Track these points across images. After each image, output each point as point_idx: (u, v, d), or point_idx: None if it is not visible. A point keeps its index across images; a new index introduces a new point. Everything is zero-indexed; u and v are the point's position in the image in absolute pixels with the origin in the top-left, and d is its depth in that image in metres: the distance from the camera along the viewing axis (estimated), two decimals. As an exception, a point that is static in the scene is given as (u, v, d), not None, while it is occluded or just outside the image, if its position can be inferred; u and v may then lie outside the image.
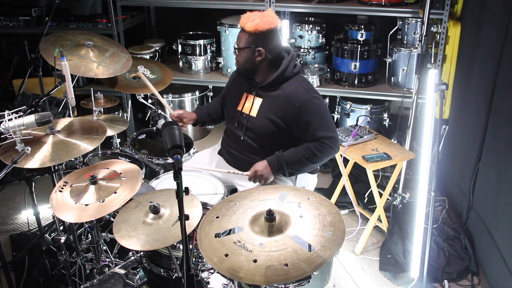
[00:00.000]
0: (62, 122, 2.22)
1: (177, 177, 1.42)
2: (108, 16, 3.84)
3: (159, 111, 3.46)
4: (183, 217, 1.47)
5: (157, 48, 4.09)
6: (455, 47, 3.30)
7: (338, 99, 3.83)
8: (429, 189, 2.39)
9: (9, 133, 1.91)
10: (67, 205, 1.93)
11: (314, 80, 3.63)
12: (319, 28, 3.72)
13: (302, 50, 3.79)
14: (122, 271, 2.03)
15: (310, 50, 3.77)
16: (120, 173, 2.05)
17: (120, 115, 2.97)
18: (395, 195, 3.26)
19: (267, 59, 2.33)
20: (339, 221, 1.65)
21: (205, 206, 1.99)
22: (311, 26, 3.72)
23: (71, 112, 2.48)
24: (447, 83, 2.37)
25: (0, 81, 4.22)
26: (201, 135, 4.36)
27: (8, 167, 1.88)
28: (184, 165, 2.41)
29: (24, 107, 2.05)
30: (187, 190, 1.45)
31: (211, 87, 4.24)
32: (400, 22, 3.51)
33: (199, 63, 3.98)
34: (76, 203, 1.93)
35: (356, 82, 3.67)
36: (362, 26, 3.54)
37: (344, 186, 3.15)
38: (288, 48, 2.44)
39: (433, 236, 2.95)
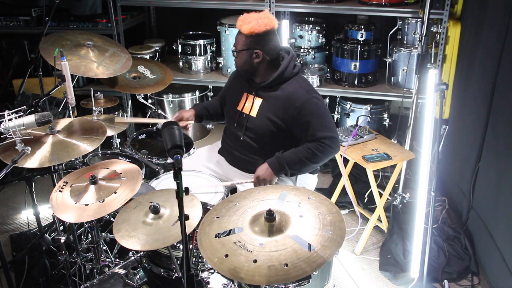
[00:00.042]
0: (62, 122, 2.21)
1: (177, 177, 1.42)
2: (108, 16, 3.83)
3: (159, 111, 3.46)
4: (183, 217, 1.47)
5: (157, 48, 4.09)
6: (455, 47, 3.30)
7: (338, 99, 3.83)
8: (429, 189, 2.39)
9: (9, 133, 1.91)
10: (67, 205, 1.93)
11: (314, 80, 3.63)
12: (319, 28, 3.72)
13: (302, 50, 3.79)
14: (122, 271, 2.03)
15: (310, 50, 3.77)
16: (120, 173, 2.05)
17: (120, 115, 2.97)
18: (395, 195, 3.26)
19: (266, 61, 2.33)
20: (339, 220, 1.64)
21: (205, 206, 1.99)
22: (311, 26, 3.72)
23: (71, 112, 2.48)
24: (447, 83, 2.37)
25: (0, 81, 4.22)
26: (201, 135, 4.35)
27: (8, 167, 1.88)
28: (187, 172, 2.43)
29: (24, 107, 2.05)
30: (187, 190, 1.45)
31: (211, 87, 4.24)
32: (400, 22, 3.51)
33: (199, 63, 3.98)
34: (76, 203, 1.93)
35: (356, 82, 3.67)
36: (362, 26, 3.54)
37: (344, 186, 3.15)
38: (288, 48, 2.44)
39: (433, 236, 2.95)
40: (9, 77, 4.01)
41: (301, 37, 3.77)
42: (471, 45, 3.14)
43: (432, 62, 3.41)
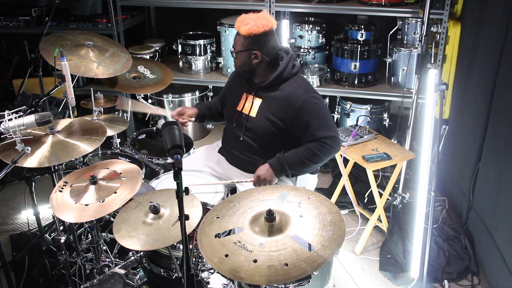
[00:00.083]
0: (62, 123, 2.21)
1: (177, 177, 1.42)
2: (108, 16, 3.83)
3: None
4: (183, 217, 1.47)
5: (157, 48, 4.09)
6: (455, 47, 3.30)
7: (338, 99, 3.83)
8: (429, 189, 2.39)
9: (9, 133, 1.91)
10: (67, 205, 1.93)
11: (314, 80, 3.63)
12: (319, 28, 3.72)
13: (302, 50, 3.79)
14: (122, 271, 2.03)
15: (310, 50, 3.77)
16: (120, 173, 2.05)
17: (120, 115, 2.97)
18: (395, 195, 3.26)
19: (264, 61, 2.33)
20: (339, 220, 1.64)
21: (205, 206, 1.99)
22: (311, 26, 3.72)
23: (71, 112, 2.48)
24: (447, 83, 2.37)
25: (0, 81, 4.22)
26: (201, 135, 4.35)
27: (8, 167, 1.88)
28: (187, 172, 2.43)
29: (24, 107, 2.05)
30: (187, 190, 1.45)
31: (211, 87, 4.24)
32: (400, 22, 3.51)
33: (199, 63, 3.98)
34: (76, 203, 1.93)
35: (356, 82, 3.67)
36: (362, 26, 3.54)
37: (344, 186, 3.15)
38: (287, 49, 2.44)
39: (433, 236, 2.95)
40: (9, 77, 4.01)
41: (301, 37, 3.77)
42: (471, 45, 3.14)
43: (432, 62, 3.41)
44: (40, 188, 3.13)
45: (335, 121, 3.78)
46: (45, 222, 3.16)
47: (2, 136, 1.97)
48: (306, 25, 3.73)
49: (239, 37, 2.31)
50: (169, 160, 2.73)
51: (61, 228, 2.55)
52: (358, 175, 3.58)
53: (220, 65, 4.01)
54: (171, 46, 4.10)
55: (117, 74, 2.74)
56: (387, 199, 3.13)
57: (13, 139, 1.93)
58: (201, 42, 3.92)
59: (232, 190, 2.53)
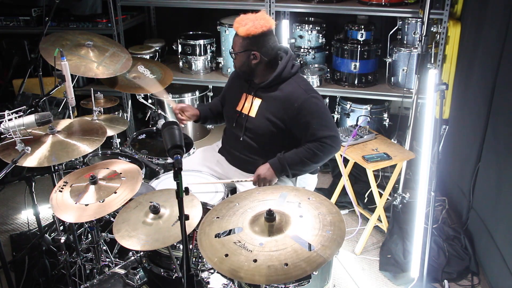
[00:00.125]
0: (62, 123, 2.22)
1: (177, 177, 1.42)
2: (108, 16, 3.83)
3: (159, 111, 3.46)
4: (183, 217, 1.47)
5: (157, 48, 4.09)
6: (455, 47, 3.30)
7: (338, 99, 3.83)
8: (429, 189, 2.39)
9: (9, 133, 1.91)
10: (67, 205, 1.93)
11: (314, 80, 3.63)
12: (319, 28, 3.72)
13: (302, 50, 3.79)
14: (122, 271, 2.03)
15: (310, 50, 3.77)
16: (120, 173, 2.05)
17: (120, 115, 2.97)
18: (395, 195, 3.26)
19: (263, 61, 2.33)
20: (339, 220, 1.65)
21: (205, 206, 1.99)
22: (311, 26, 3.72)
23: (71, 112, 2.48)
24: (447, 83, 2.37)
25: (0, 81, 4.22)
26: (201, 135, 4.36)
27: (8, 167, 1.88)
28: (187, 172, 2.43)
29: (24, 107, 2.05)
30: (187, 190, 1.45)
31: (211, 87, 4.24)
32: (400, 22, 3.51)
33: (199, 63, 3.98)
34: (76, 203, 1.93)
35: (356, 82, 3.67)
36: (362, 26, 3.54)
37: (344, 186, 3.15)
38: (286, 48, 2.44)
39: (433, 236, 2.95)
40: (9, 77, 4.01)
41: (301, 37, 3.77)
42: (471, 45, 3.14)
43: (432, 62, 3.41)
44: (40, 188, 3.13)
45: (335, 121, 3.78)
46: (45, 222, 3.16)
47: (2, 136, 1.97)
48: (306, 25, 3.73)
49: (238, 38, 2.31)
50: (169, 160, 2.73)
51: (61, 228, 2.55)
52: (358, 175, 3.58)
53: (220, 65, 4.01)
54: (171, 46, 4.10)
55: (117, 74, 2.75)
56: (387, 199, 3.13)
57: (13, 139, 1.93)
58: (201, 42, 3.92)
59: (232, 190, 2.53)
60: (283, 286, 1.80)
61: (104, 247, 2.47)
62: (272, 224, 1.62)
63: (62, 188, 2.01)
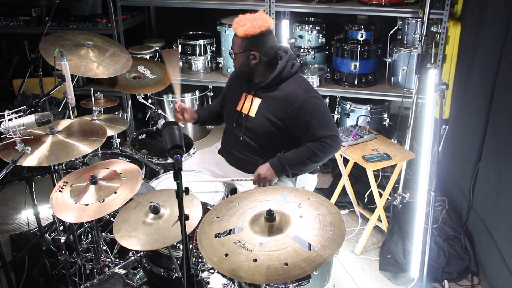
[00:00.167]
0: (62, 123, 2.22)
1: (177, 177, 1.42)
2: (108, 16, 3.84)
3: (159, 111, 3.46)
4: (183, 217, 1.47)
5: (157, 48, 4.09)
6: (455, 47, 3.30)
7: (338, 99, 3.83)
8: (429, 189, 2.39)
9: (9, 133, 1.92)
10: (67, 205, 1.93)
11: (314, 80, 3.63)
12: (319, 28, 3.72)
13: (302, 50, 3.79)
14: (122, 271, 2.03)
15: (310, 50, 3.77)
16: (120, 173, 2.05)
17: (120, 115, 2.97)
18: (395, 195, 3.26)
19: (263, 61, 2.33)
20: (339, 221, 1.65)
21: (205, 206, 1.99)
22: (311, 26, 3.72)
23: (71, 112, 2.48)
24: (447, 83, 2.37)
25: (0, 81, 4.22)
26: (201, 135, 4.36)
27: (9, 167, 1.88)
28: (187, 172, 2.43)
29: (24, 107, 2.05)
30: (187, 190, 1.45)
31: (211, 87, 4.24)
32: (400, 22, 3.51)
33: (199, 63, 3.98)
34: (76, 203, 1.93)
35: (356, 82, 3.67)
36: (362, 26, 3.54)
37: (344, 186, 3.15)
38: (286, 48, 2.44)
39: (433, 236, 2.95)
40: (9, 77, 4.01)
41: (301, 37, 3.77)
42: (471, 45, 3.14)
43: (432, 62, 3.41)
44: (40, 188, 3.13)
45: (335, 121, 3.78)
46: (45, 222, 3.16)
47: (2, 136, 1.97)
48: (306, 25, 3.73)
49: (237, 39, 2.32)
50: (169, 160, 2.73)
51: (61, 228, 2.55)
52: (358, 175, 3.58)
53: (220, 65, 4.01)
54: (171, 46, 4.10)
55: (117, 74, 2.75)
56: (387, 199, 3.13)
57: (13, 139, 1.93)
58: (201, 42, 3.92)
59: (232, 190, 2.53)
60: (283, 286, 1.80)
61: (104, 247, 2.47)
62: (272, 224, 1.62)
63: (62, 188, 2.01)
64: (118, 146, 2.93)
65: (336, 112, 3.84)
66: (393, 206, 3.24)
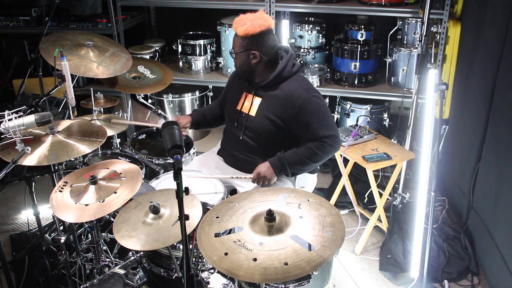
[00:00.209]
0: (62, 124, 2.22)
1: (177, 177, 1.42)
2: (108, 16, 3.83)
3: (159, 111, 3.46)
4: (183, 217, 1.47)
5: (157, 48, 4.09)
6: (455, 47, 3.30)
7: (338, 99, 3.83)
8: (429, 189, 2.39)
9: (9, 133, 1.92)
10: (67, 205, 1.93)
11: (314, 80, 3.63)
12: (319, 28, 3.72)
13: (302, 50, 3.79)
14: (122, 271, 2.03)
15: (310, 50, 3.77)
16: (120, 173, 2.05)
17: (120, 115, 2.97)
18: (395, 195, 3.26)
19: (263, 61, 2.33)
20: (339, 222, 1.65)
21: (205, 206, 1.99)
22: (311, 26, 3.72)
23: (71, 112, 2.48)
24: (447, 83, 2.37)
25: (0, 81, 4.22)
26: (201, 135, 4.35)
27: (9, 167, 1.88)
28: (188, 175, 2.43)
29: (24, 107, 2.05)
30: (187, 190, 1.45)
31: (211, 87, 4.24)
32: (400, 22, 3.51)
33: (199, 63, 3.98)
34: (76, 203, 1.93)
35: (356, 82, 3.67)
36: (362, 26, 3.54)
37: (344, 186, 3.15)
38: (287, 48, 2.44)
39: (433, 236, 2.95)
40: (9, 77, 4.01)
41: (301, 37, 3.77)
42: (471, 45, 3.14)
43: (432, 62, 3.41)
44: (40, 188, 3.13)
45: (335, 121, 3.78)
46: (45, 222, 3.16)
47: (2, 136, 1.97)
48: (306, 25, 3.73)
49: (237, 38, 2.32)
50: (169, 160, 2.73)
51: (61, 228, 2.55)
52: (358, 175, 3.58)
53: (220, 65, 4.01)
54: (171, 46, 4.10)
55: (117, 74, 2.74)
56: (387, 199, 3.13)
57: (13, 139, 1.93)
58: (201, 42, 3.92)
59: (232, 191, 2.53)
60: (283, 286, 1.80)
61: (104, 247, 2.47)
62: (272, 224, 1.62)
63: (62, 188, 2.01)
64: (118, 146, 2.93)
65: (336, 112, 3.84)
66: (393, 206, 3.24)
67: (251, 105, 2.41)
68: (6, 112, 1.91)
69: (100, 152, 2.74)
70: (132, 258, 2.10)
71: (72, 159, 2.33)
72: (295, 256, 1.50)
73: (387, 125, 3.71)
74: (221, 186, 2.38)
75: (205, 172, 2.55)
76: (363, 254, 3.02)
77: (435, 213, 3.10)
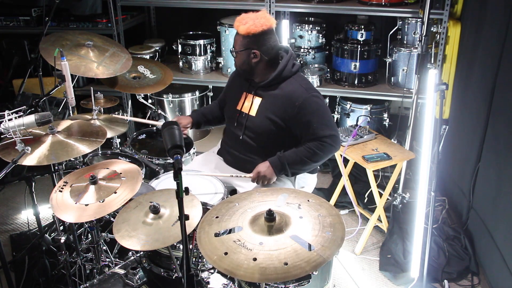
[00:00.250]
0: (63, 124, 2.22)
1: (177, 177, 1.42)
2: (108, 16, 3.83)
3: (159, 111, 3.46)
4: (183, 217, 1.47)
5: (157, 48, 4.09)
6: (455, 47, 3.30)
7: (338, 99, 3.83)
8: (429, 189, 2.39)
9: (9, 133, 1.92)
10: (67, 205, 1.93)
11: (314, 80, 3.63)
12: (319, 28, 3.72)
13: (302, 50, 3.79)
14: (122, 271, 2.03)
15: (310, 50, 3.77)
16: (120, 173, 2.05)
17: (120, 115, 2.97)
18: (395, 195, 3.26)
19: (264, 60, 2.33)
20: (339, 222, 1.65)
21: (205, 205, 1.99)
22: (311, 26, 3.72)
23: (71, 112, 2.48)
24: (447, 83, 2.37)
25: (0, 81, 4.22)
26: (201, 135, 4.36)
27: (9, 167, 1.88)
28: (187, 171, 2.44)
29: (24, 107, 2.05)
30: (187, 190, 1.45)
31: (211, 87, 4.24)
32: (400, 22, 3.51)
33: (199, 63, 3.98)
34: (76, 203, 1.93)
35: (356, 82, 3.67)
36: (362, 26, 3.54)
37: (344, 186, 3.15)
38: (287, 48, 2.44)
39: (433, 236, 2.95)
40: (9, 77, 4.01)
41: (301, 37, 3.77)
42: (471, 45, 3.14)
43: (432, 62, 3.41)
44: (40, 188, 3.13)
45: (335, 121, 3.79)
46: (45, 222, 3.16)
47: (2, 136, 1.97)
48: (306, 25, 3.73)
49: (238, 37, 2.32)
50: (169, 160, 2.73)
51: (61, 228, 2.55)
52: (358, 175, 3.58)
53: (220, 65, 4.01)
54: (171, 46, 4.10)
55: (117, 74, 2.75)
56: (387, 199, 3.13)
57: (13, 139, 1.93)
58: (201, 42, 3.92)
59: (232, 191, 2.53)
60: (283, 285, 1.80)
61: (104, 247, 2.47)
62: (272, 224, 1.62)
63: (62, 188, 2.01)
64: (118, 146, 2.93)
65: (336, 112, 3.84)
66: (393, 206, 3.24)
67: (251, 105, 2.41)
68: (6, 112, 1.91)
69: (100, 152, 2.74)
70: (132, 258, 2.09)
71: (72, 159, 2.33)
72: (295, 256, 1.50)
73: (387, 125, 3.71)
74: (221, 186, 2.38)
75: (205, 172, 2.55)
76: (363, 254, 3.02)
77: (435, 213, 3.10)
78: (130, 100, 3.82)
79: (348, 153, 2.95)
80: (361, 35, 3.54)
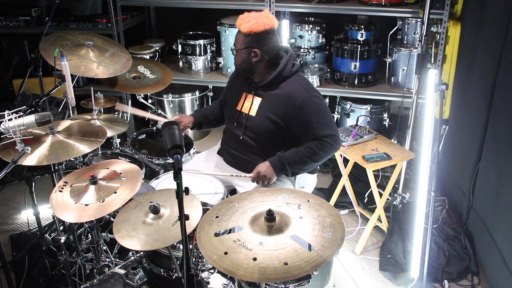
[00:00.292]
0: (63, 124, 2.22)
1: (177, 177, 1.42)
2: (108, 16, 3.84)
3: (159, 111, 3.46)
4: (183, 217, 1.47)
5: (157, 48, 4.09)
6: (455, 47, 3.30)
7: (338, 99, 3.83)
8: (429, 189, 2.39)
9: (9, 133, 1.92)
10: (67, 205, 1.93)
11: (314, 80, 3.63)
12: (319, 28, 3.72)
13: (302, 50, 3.79)
14: (122, 271, 2.03)
15: (310, 50, 3.77)
16: (120, 173, 2.05)
17: (120, 116, 2.97)
18: (395, 195, 3.26)
19: (264, 60, 2.33)
20: (339, 222, 1.65)
21: (205, 205, 1.99)
22: (311, 26, 3.72)
23: (71, 112, 2.48)
24: (447, 83, 2.37)
25: (0, 81, 4.22)
26: (201, 135, 4.36)
27: (9, 167, 1.88)
28: (186, 170, 2.44)
29: (24, 107, 2.05)
30: (187, 190, 1.45)
31: (211, 87, 4.24)
32: (400, 22, 3.51)
33: (199, 63, 3.98)
34: (76, 203, 1.93)
35: (356, 82, 3.67)
36: (362, 26, 3.54)
37: (344, 186, 3.15)
38: (287, 48, 2.45)
39: (433, 236, 2.95)
40: (9, 77, 4.01)
41: (301, 37, 3.77)
42: (471, 45, 3.14)
43: (432, 62, 3.41)
44: (40, 188, 3.13)
45: (335, 121, 3.79)
46: (45, 222, 3.16)
47: (2, 136, 1.97)
48: (306, 25, 3.73)
49: (240, 35, 2.32)
50: (169, 160, 2.73)
51: (61, 228, 2.55)
52: (358, 175, 3.58)
53: (220, 65, 4.01)
54: (171, 46, 4.11)
55: (117, 74, 2.75)
56: (387, 199, 3.13)
57: (13, 139, 1.93)
58: (201, 42, 3.92)
59: (232, 191, 2.53)
60: (283, 285, 1.80)
61: (104, 247, 2.47)
62: (272, 224, 1.62)
63: (62, 188, 2.01)
64: (118, 146, 2.93)
65: (336, 112, 3.84)
66: (393, 206, 3.24)
67: (251, 105, 2.41)
68: (6, 112, 1.91)
69: (100, 152, 2.75)
70: (132, 258, 2.10)
71: (72, 159, 2.33)
72: (295, 256, 1.50)
73: (387, 125, 3.71)
74: (221, 186, 2.38)
75: (205, 171, 2.55)
76: (363, 254, 3.02)
77: (435, 213, 3.10)
78: (130, 100, 3.81)
79: (348, 153, 2.95)
80: (361, 35, 3.54)
